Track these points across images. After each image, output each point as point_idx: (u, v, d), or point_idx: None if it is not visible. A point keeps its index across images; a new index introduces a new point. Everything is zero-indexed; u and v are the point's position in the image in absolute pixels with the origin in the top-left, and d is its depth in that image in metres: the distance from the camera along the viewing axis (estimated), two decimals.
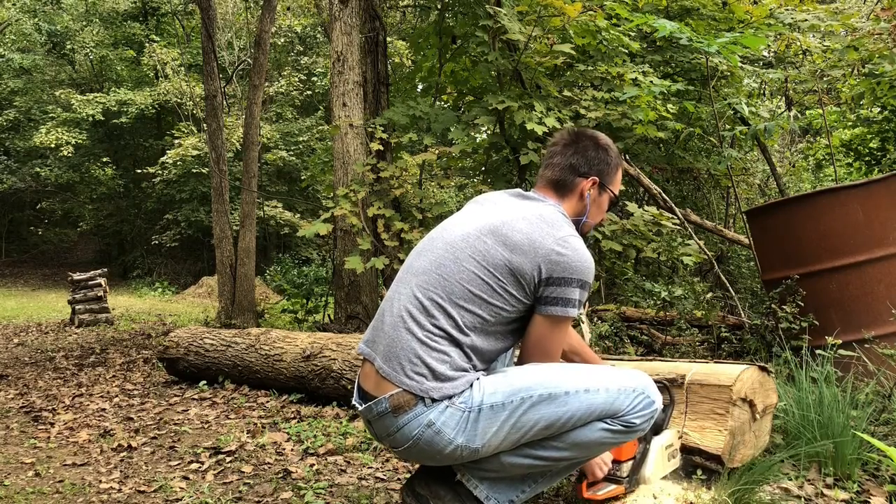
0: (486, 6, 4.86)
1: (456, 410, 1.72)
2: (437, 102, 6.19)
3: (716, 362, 2.31)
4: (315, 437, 2.97)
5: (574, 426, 1.76)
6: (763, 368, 2.25)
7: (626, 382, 1.80)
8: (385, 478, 2.47)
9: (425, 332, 1.74)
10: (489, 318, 1.77)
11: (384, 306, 1.87)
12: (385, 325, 1.82)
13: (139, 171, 18.05)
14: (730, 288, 4.66)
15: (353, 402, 1.88)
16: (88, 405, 4.01)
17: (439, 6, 6.19)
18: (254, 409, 3.63)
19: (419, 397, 1.72)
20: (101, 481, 2.61)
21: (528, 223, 1.79)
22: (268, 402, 3.75)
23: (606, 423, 1.77)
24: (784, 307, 3.20)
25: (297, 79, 18.27)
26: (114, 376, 4.99)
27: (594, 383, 1.78)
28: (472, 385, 1.75)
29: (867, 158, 8.27)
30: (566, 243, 1.78)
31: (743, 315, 4.23)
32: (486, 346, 1.79)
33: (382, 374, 1.76)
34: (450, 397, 1.73)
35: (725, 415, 2.11)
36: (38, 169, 18.14)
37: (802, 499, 2.08)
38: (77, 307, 9.41)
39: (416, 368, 1.73)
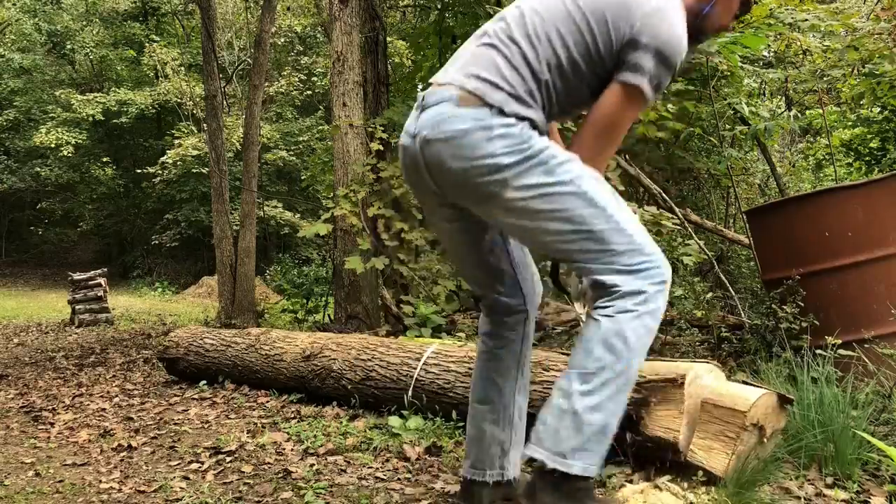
0: (486, 6, 4.86)
1: (517, 135, 1.64)
2: None
3: (725, 371, 2.31)
4: (315, 437, 2.97)
5: (592, 252, 1.67)
6: (784, 398, 2.23)
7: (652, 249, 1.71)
8: (385, 478, 2.47)
9: (509, 52, 1.69)
10: (569, 63, 1.69)
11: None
12: (465, 51, 1.80)
13: (139, 171, 18.05)
14: (730, 288, 4.66)
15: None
16: (88, 405, 4.01)
17: (439, 6, 6.19)
18: (254, 409, 3.63)
19: (488, 103, 1.66)
20: (101, 481, 2.61)
21: None
22: (268, 401, 3.75)
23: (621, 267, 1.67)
24: (784, 307, 3.19)
25: (297, 79, 18.27)
26: (114, 376, 4.99)
27: (630, 226, 1.70)
28: (537, 130, 1.68)
29: (867, 158, 8.27)
30: (663, 12, 1.65)
31: (743, 315, 4.23)
32: (561, 90, 1.72)
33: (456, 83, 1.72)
34: (519, 118, 1.66)
35: (735, 439, 2.10)
36: (38, 169, 18.14)
37: (802, 499, 2.08)
38: (77, 307, 9.41)
39: (493, 77, 1.68)
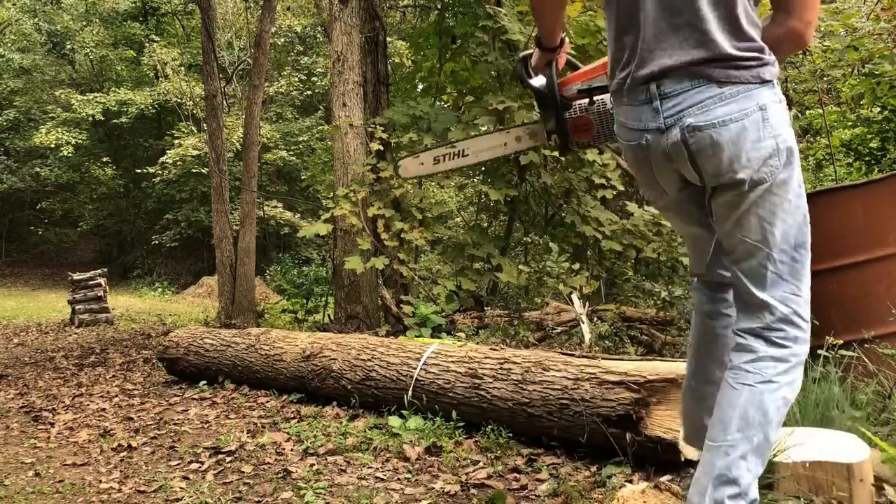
0: (486, 6, 4.86)
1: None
2: (437, 102, 6.20)
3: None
4: (315, 437, 2.97)
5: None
6: None
7: None
8: (385, 478, 2.47)
9: None
10: None
11: None
12: None
13: (139, 171, 18.04)
14: None
15: None
16: (88, 405, 4.01)
17: (439, 6, 6.20)
18: (254, 409, 3.63)
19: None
20: (101, 481, 2.61)
21: None
22: (268, 402, 3.75)
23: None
24: None
25: (297, 79, 18.27)
26: (114, 376, 4.99)
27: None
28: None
29: (867, 158, 8.27)
30: None
31: None
32: None
33: None
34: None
35: None
36: (38, 169, 18.13)
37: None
38: (77, 307, 9.41)
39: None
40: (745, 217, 1.60)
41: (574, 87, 1.94)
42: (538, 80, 1.93)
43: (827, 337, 2.92)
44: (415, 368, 3.19)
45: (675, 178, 1.66)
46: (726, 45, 1.51)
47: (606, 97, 1.91)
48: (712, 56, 1.51)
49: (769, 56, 1.55)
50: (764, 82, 1.54)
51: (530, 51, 1.96)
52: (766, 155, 1.54)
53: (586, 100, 1.95)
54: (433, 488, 2.34)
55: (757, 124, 1.53)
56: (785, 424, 2.46)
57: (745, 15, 1.52)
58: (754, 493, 1.59)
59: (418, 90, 7.19)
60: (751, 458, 1.58)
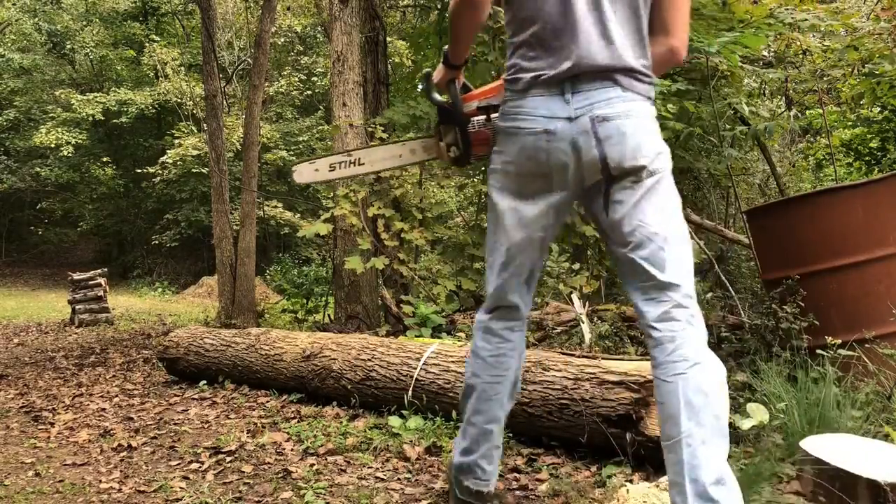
0: None
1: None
2: None
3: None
4: (315, 437, 2.97)
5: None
6: None
7: None
8: (385, 478, 2.47)
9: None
10: None
11: None
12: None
13: (139, 171, 18.03)
14: (730, 288, 4.66)
15: None
16: (88, 405, 4.01)
17: (439, 6, 6.19)
18: (254, 409, 3.63)
19: None
20: (101, 481, 2.61)
21: None
22: (268, 401, 3.75)
23: None
24: (784, 307, 3.19)
25: (297, 79, 18.26)
26: (114, 376, 4.99)
27: None
28: None
29: (867, 158, 8.27)
30: None
31: (743, 315, 4.23)
32: None
33: None
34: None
35: None
36: (38, 169, 18.13)
37: (803, 499, 2.08)
38: (77, 307, 9.41)
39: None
40: (644, 203, 1.78)
41: (473, 104, 2.08)
42: (441, 96, 2.07)
43: (827, 337, 2.93)
44: (415, 368, 3.19)
45: (569, 173, 1.81)
46: (632, 60, 1.78)
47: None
48: (621, 67, 1.77)
49: (654, 78, 1.85)
50: (649, 98, 1.83)
51: (431, 69, 2.10)
52: (658, 150, 1.79)
53: (484, 116, 2.07)
54: (433, 488, 2.34)
55: (650, 122, 1.81)
56: (785, 424, 2.46)
57: (645, 40, 1.82)
58: (727, 471, 1.65)
59: (418, 90, 7.18)
60: (711, 442, 1.64)
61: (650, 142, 1.78)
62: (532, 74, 1.81)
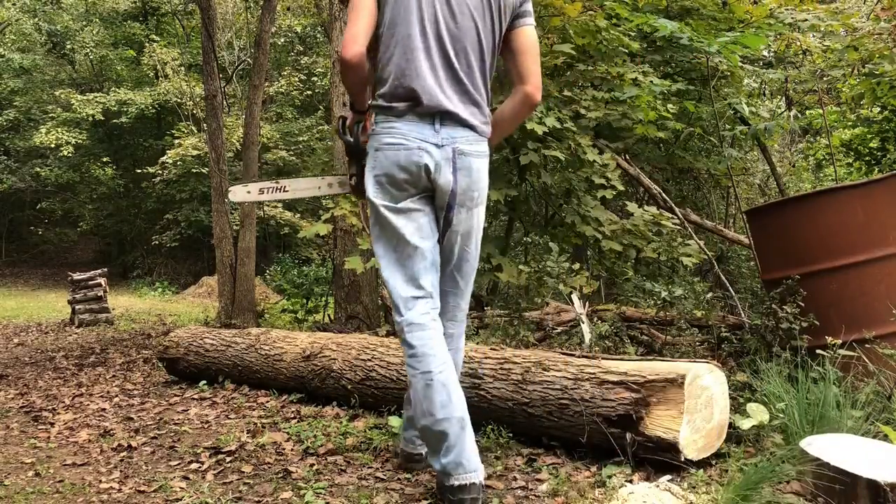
0: None
1: None
2: None
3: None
4: (315, 437, 2.97)
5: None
6: None
7: None
8: (385, 478, 2.47)
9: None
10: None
11: None
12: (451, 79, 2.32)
13: (139, 171, 18.02)
14: (730, 288, 4.66)
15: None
16: (88, 405, 4.01)
17: None
18: (254, 409, 3.63)
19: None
20: (101, 481, 2.61)
21: None
22: (268, 401, 3.75)
23: None
24: (784, 307, 3.19)
25: (297, 79, 18.26)
26: (114, 376, 4.99)
27: None
28: None
29: (867, 158, 8.27)
30: None
31: (743, 315, 4.23)
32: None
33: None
34: None
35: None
36: (38, 169, 18.12)
37: (803, 499, 2.08)
38: (77, 307, 9.41)
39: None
40: (472, 232, 2.31)
41: None
42: (350, 136, 2.36)
43: (827, 337, 2.93)
44: None
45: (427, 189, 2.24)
46: (482, 112, 2.26)
47: None
48: (478, 113, 2.26)
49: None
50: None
51: (346, 113, 2.39)
52: (485, 187, 2.31)
53: None
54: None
55: (486, 166, 2.29)
56: (785, 424, 2.46)
57: (488, 95, 2.30)
58: None
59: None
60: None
61: (483, 179, 2.28)
62: (402, 104, 2.20)
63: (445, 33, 2.19)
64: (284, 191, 2.80)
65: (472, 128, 2.23)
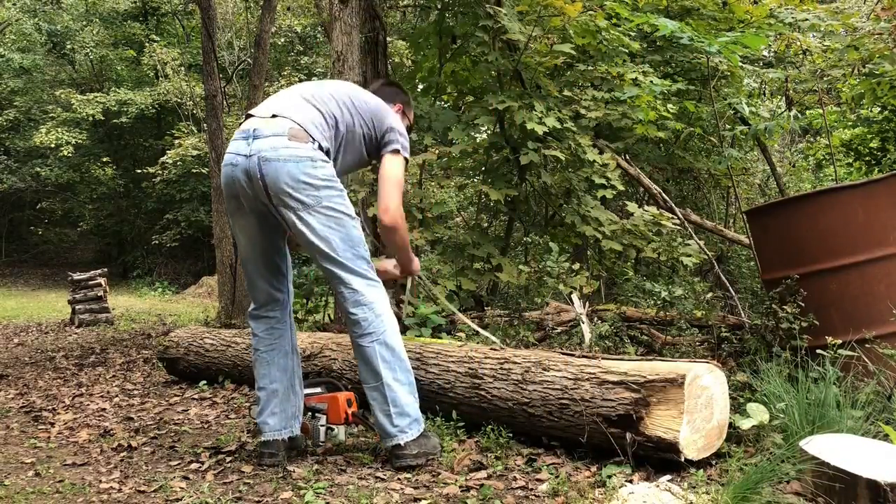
0: (486, 6, 4.86)
1: (331, 168, 2.62)
2: (437, 102, 6.19)
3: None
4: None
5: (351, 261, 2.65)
6: None
7: None
8: (385, 478, 2.47)
9: (325, 112, 2.70)
10: (356, 137, 2.81)
11: None
12: (288, 98, 2.78)
13: (139, 171, 18.01)
14: (730, 288, 4.66)
15: None
16: (88, 405, 4.01)
17: (439, 6, 6.19)
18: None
19: (313, 139, 2.55)
20: (101, 481, 2.61)
21: None
22: None
23: None
24: (784, 307, 3.19)
25: (297, 79, 18.22)
26: (114, 376, 4.99)
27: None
28: None
29: (867, 158, 8.27)
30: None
31: (743, 315, 4.23)
32: (346, 151, 2.80)
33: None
34: (328, 157, 2.61)
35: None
36: (38, 169, 18.11)
37: (803, 499, 2.08)
38: (77, 307, 9.40)
39: (316, 124, 2.62)
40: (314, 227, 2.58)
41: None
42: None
43: (827, 337, 2.92)
44: (415, 368, 3.19)
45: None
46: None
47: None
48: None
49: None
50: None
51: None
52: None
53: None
54: (433, 488, 2.34)
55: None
56: (785, 424, 2.46)
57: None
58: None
59: (418, 90, 7.17)
60: (401, 377, 2.60)
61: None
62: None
63: None
64: None
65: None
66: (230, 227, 2.79)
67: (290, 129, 2.50)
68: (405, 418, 2.54)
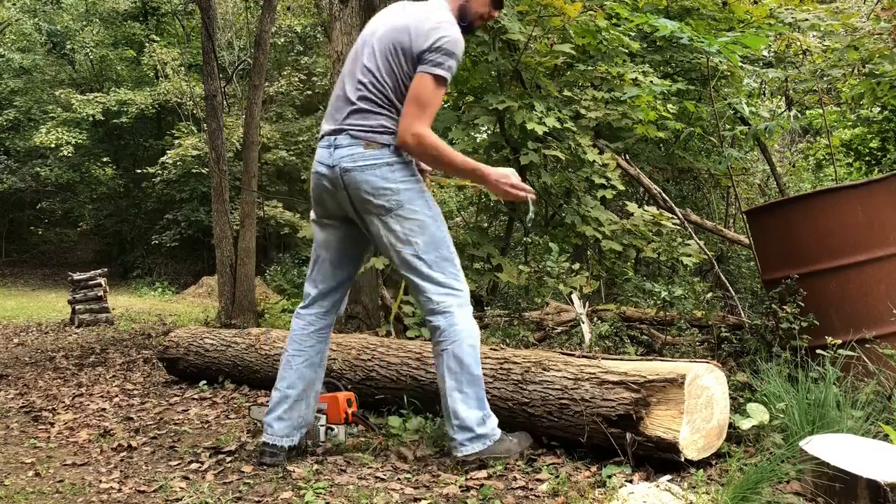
0: None
1: (411, 167, 2.63)
2: None
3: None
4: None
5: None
6: None
7: None
8: (385, 478, 2.47)
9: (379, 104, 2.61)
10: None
11: None
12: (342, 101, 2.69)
13: (139, 171, 18.02)
14: (730, 288, 4.66)
15: None
16: (88, 405, 4.01)
17: None
18: None
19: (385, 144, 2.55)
20: (101, 481, 2.61)
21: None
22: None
23: None
24: (784, 307, 3.19)
25: (297, 79, 18.24)
26: (114, 376, 4.99)
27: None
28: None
29: (867, 158, 8.27)
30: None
31: (743, 315, 4.23)
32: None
33: None
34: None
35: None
36: (38, 169, 18.12)
37: (803, 499, 2.08)
38: (77, 307, 9.40)
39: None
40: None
41: None
42: None
43: (827, 337, 2.93)
44: (415, 368, 3.19)
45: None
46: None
47: None
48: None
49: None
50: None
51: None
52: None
53: None
54: (433, 488, 2.35)
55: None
56: (785, 424, 2.46)
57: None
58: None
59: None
60: (467, 391, 2.52)
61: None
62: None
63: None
64: None
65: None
66: (313, 229, 2.76)
67: (365, 136, 2.51)
68: (465, 433, 2.49)
